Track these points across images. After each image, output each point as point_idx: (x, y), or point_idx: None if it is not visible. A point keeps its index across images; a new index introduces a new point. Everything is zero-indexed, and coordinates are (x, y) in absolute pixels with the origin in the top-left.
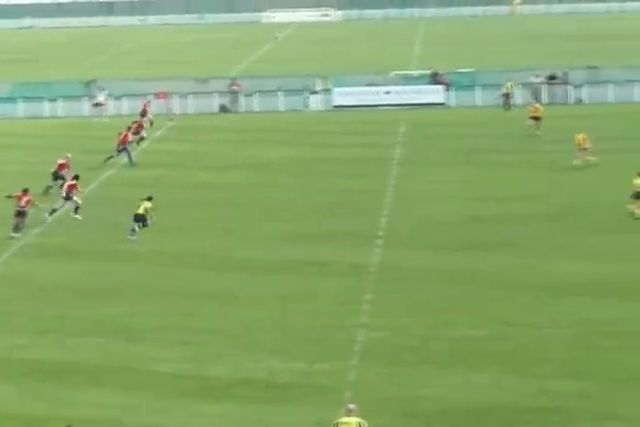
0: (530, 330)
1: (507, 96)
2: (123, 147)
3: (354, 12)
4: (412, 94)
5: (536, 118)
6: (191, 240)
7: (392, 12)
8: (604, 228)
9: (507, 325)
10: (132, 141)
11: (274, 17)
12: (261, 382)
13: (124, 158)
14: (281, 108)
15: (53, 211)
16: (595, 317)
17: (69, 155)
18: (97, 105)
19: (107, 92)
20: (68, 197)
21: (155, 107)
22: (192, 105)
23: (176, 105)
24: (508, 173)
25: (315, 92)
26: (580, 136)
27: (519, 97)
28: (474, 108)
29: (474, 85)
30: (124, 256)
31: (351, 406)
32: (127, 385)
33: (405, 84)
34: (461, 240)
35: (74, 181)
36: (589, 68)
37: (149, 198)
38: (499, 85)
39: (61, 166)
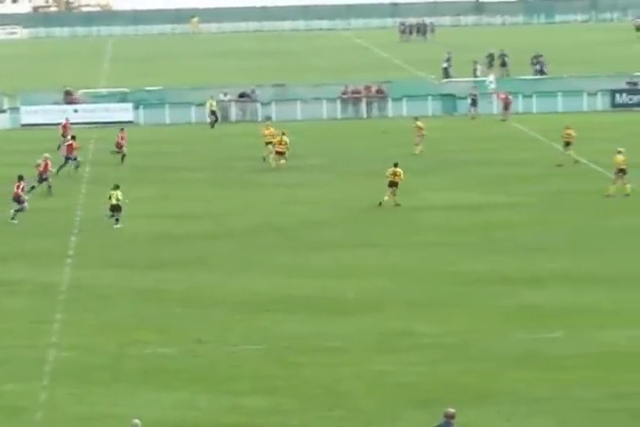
0: (222, 347)
1: (213, 113)
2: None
3: (41, 30)
4: (101, 113)
5: (272, 143)
6: None
7: (79, 30)
8: (293, 245)
9: (198, 342)
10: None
11: None
12: None
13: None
14: None
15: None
16: (287, 332)
17: (48, 155)
18: None
19: None
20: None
21: None
22: None
23: None
24: (198, 191)
25: (2, 111)
26: None
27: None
28: (163, 126)
29: (163, 103)
30: None
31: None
32: None
33: (94, 103)
34: (151, 258)
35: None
36: (276, 85)
37: (117, 187)
38: (188, 103)
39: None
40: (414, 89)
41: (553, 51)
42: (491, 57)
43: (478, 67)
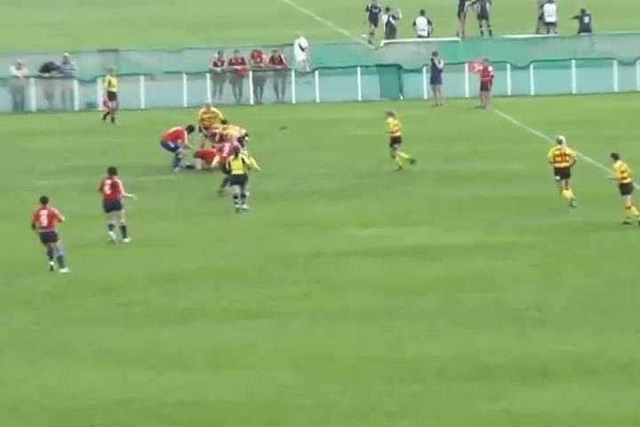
0: None
1: (111, 96)
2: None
3: None
4: None
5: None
6: None
7: None
8: (128, 314)
9: None
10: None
11: None
12: None
13: None
14: None
15: None
16: None
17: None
18: None
19: None
20: None
21: None
22: None
23: None
24: None
25: None
26: None
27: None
28: None
29: None
30: None
31: None
32: None
33: None
34: None
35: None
36: (105, 51)
37: (237, 152)
38: None
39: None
40: (334, 56)
41: None
42: (462, 4)
43: (419, 20)
